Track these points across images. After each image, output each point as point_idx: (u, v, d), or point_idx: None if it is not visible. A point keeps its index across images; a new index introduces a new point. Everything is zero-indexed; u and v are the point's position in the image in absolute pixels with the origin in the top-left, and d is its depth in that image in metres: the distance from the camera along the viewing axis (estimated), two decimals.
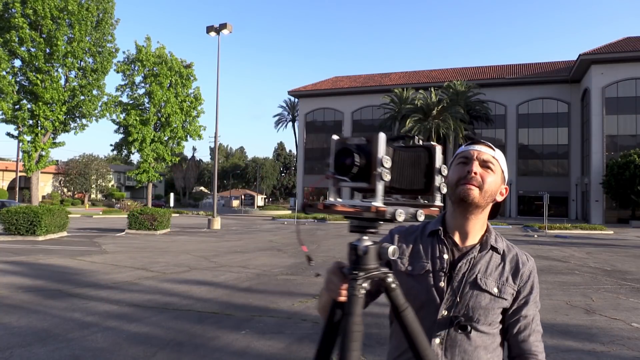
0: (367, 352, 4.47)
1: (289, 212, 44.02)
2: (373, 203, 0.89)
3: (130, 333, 5.02)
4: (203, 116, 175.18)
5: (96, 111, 27.00)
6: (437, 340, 1.23)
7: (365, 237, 0.99)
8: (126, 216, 20.54)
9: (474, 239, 1.30)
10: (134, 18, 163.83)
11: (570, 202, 41.41)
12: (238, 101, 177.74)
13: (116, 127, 31.37)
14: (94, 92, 26.54)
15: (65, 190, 62.49)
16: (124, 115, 30.63)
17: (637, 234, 23.51)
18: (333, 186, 0.95)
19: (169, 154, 32.90)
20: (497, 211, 1.36)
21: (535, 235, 21.55)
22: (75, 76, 25.71)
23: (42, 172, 39.72)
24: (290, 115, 68.54)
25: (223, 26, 24.37)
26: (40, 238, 15.26)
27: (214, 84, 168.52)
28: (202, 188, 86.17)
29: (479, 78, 44.83)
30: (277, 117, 70.15)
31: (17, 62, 24.38)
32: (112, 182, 70.61)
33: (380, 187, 0.90)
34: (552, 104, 42.92)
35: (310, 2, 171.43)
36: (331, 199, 0.94)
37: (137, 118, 30.51)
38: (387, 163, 0.90)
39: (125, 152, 32.42)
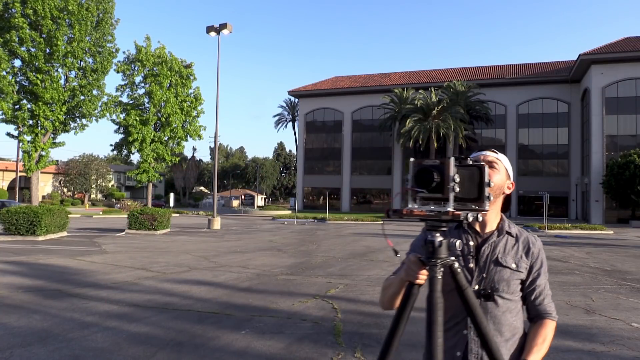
0: (367, 352, 4.47)
1: (289, 212, 44.01)
2: (448, 208, 1.21)
3: (130, 333, 5.02)
4: (203, 116, 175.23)
5: (96, 111, 26.95)
6: None
7: (437, 234, 1.29)
8: (126, 216, 20.54)
9: (491, 226, 1.63)
10: (134, 18, 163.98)
11: (570, 202, 41.41)
12: (238, 101, 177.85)
13: (116, 127, 31.32)
14: (94, 92, 26.50)
15: (65, 190, 62.49)
16: (124, 115, 30.58)
17: (637, 234, 23.51)
18: (411, 196, 1.26)
19: (169, 154, 32.87)
20: (508, 205, 1.69)
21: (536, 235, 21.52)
22: (75, 76, 25.68)
23: (42, 172, 39.76)
24: (290, 115, 68.54)
25: (223, 26, 24.36)
26: (40, 238, 15.27)
27: (214, 84, 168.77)
28: (202, 188, 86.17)
29: (479, 78, 44.84)
30: (277, 117, 70.17)
31: (17, 62, 24.36)
32: (112, 182, 70.60)
33: (451, 197, 1.21)
34: (552, 104, 42.92)
35: (310, 2, 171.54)
36: (410, 206, 1.26)
37: (137, 118, 30.48)
38: (457, 179, 1.21)
39: (125, 152, 32.38)
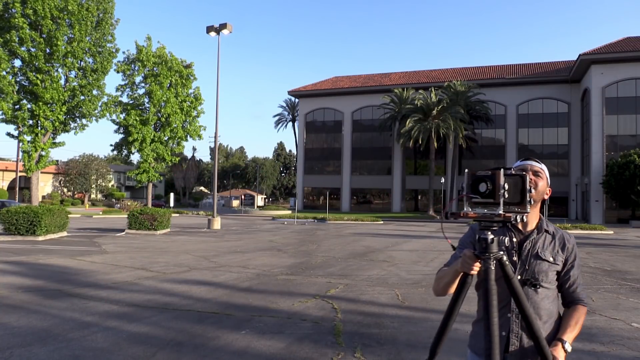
0: (367, 352, 4.46)
1: (289, 212, 44.01)
2: (499, 211, 1.46)
3: (130, 333, 5.01)
4: (203, 116, 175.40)
5: (96, 111, 26.94)
6: None
7: (489, 233, 1.53)
8: (126, 216, 20.53)
9: (531, 225, 1.87)
10: (134, 18, 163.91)
11: (570, 202, 41.42)
12: (238, 101, 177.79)
13: (116, 127, 31.32)
14: (94, 92, 26.49)
15: (65, 190, 62.49)
16: (124, 115, 30.58)
17: (637, 234, 23.51)
18: (466, 201, 1.53)
19: (169, 154, 32.87)
20: (543, 207, 2.00)
21: None
22: (75, 76, 25.67)
23: (42, 172, 39.75)
24: (290, 115, 68.52)
25: (223, 26, 24.35)
26: (40, 238, 15.27)
27: (214, 84, 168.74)
28: (202, 188, 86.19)
29: (479, 78, 44.85)
30: (277, 117, 70.11)
31: (17, 62, 24.37)
32: (112, 182, 70.61)
33: (501, 202, 1.46)
34: (552, 104, 42.93)
35: (310, 2, 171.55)
36: (465, 209, 1.52)
37: (137, 118, 30.48)
38: (507, 187, 1.47)
39: (125, 152, 32.38)
